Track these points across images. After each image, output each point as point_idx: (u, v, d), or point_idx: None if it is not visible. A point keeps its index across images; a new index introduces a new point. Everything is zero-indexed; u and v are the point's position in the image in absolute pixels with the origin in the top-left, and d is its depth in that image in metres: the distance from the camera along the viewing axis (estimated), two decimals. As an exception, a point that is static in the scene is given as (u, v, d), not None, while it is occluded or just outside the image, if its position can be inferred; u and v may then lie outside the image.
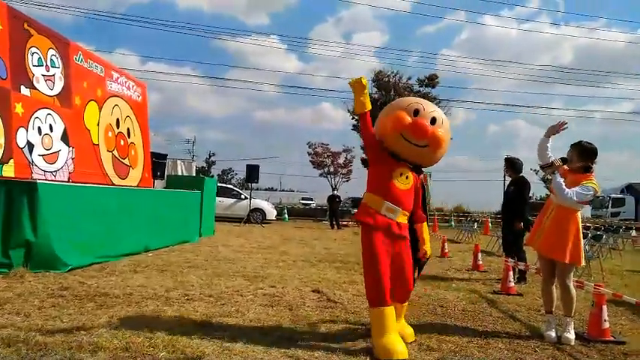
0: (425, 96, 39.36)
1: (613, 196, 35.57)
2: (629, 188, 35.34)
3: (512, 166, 7.67)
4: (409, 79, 39.98)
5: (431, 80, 39.59)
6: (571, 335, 4.24)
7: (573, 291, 4.42)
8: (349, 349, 3.68)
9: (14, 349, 3.23)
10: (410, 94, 39.78)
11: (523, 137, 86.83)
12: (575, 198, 4.17)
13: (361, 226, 3.89)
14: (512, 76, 67.96)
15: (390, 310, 3.64)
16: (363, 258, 3.83)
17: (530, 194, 8.26)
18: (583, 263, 4.47)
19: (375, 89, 40.46)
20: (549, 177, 4.56)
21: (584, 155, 4.37)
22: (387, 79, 39.90)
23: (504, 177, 50.15)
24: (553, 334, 4.31)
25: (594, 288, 4.49)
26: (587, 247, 9.10)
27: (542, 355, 3.82)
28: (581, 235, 4.41)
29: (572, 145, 4.48)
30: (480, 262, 8.88)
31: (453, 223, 28.40)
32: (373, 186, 3.90)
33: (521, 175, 7.66)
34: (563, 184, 4.25)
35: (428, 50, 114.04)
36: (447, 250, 10.90)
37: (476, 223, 18.01)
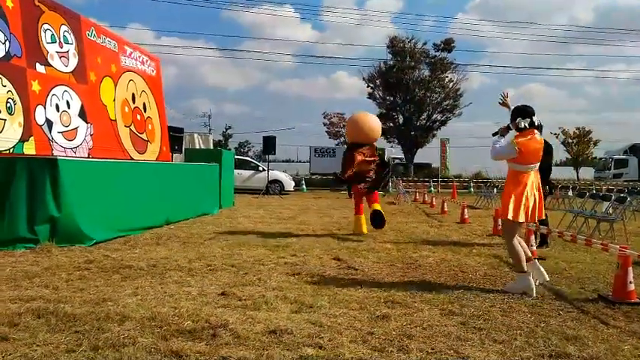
0: (441, 61, 38.67)
1: (615, 157, 34.55)
2: (633, 149, 34.28)
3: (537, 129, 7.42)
4: (425, 44, 39.24)
5: (447, 45, 38.81)
6: (510, 284, 4.63)
7: (516, 248, 4.62)
8: (371, 315, 3.70)
9: (44, 320, 3.32)
10: (426, 59, 39.10)
11: (541, 100, 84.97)
12: (494, 153, 4.68)
13: None
14: (528, 37, 65.94)
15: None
16: None
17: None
18: (522, 220, 4.59)
19: (391, 55, 39.81)
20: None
21: (516, 115, 4.73)
22: (402, 44, 39.17)
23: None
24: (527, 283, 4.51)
25: (619, 250, 4.42)
26: (610, 209, 8.96)
27: (567, 318, 3.79)
28: (526, 195, 4.57)
29: (512, 109, 4.85)
30: (501, 227, 8.80)
31: (472, 189, 28.17)
32: None
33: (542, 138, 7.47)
34: (496, 143, 4.71)
35: (443, 14, 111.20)
36: (467, 216, 10.84)
37: (495, 189, 17.81)
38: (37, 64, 8.49)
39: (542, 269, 4.75)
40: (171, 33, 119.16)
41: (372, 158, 8.36)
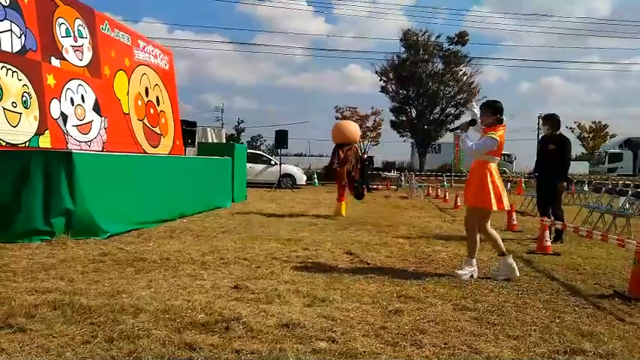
0: (455, 54, 38.34)
1: (610, 151, 34.27)
2: (628, 143, 33.86)
3: (555, 123, 7.33)
4: (438, 37, 38.95)
5: (461, 38, 38.53)
6: (461, 271, 4.86)
7: (475, 236, 4.99)
8: (384, 309, 3.69)
9: (60, 312, 3.36)
10: (439, 52, 38.79)
11: (558, 94, 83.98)
12: (474, 147, 4.92)
13: None
14: (545, 30, 64.98)
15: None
16: None
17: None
18: (494, 208, 4.86)
19: (404, 49, 39.56)
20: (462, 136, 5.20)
21: (488, 111, 4.97)
22: (415, 37, 38.90)
23: (538, 136, 48.90)
24: (461, 271, 4.88)
25: (636, 246, 4.35)
26: (627, 204, 8.84)
27: (582, 314, 3.75)
28: (492, 184, 4.82)
29: (480, 105, 5.16)
30: (515, 222, 8.74)
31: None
32: None
33: (560, 132, 7.38)
34: (467, 139, 5.02)
35: (457, 7, 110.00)
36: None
37: (509, 183, 17.67)
38: (52, 58, 8.57)
39: (515, 267, 4.89)
40: (185, 27, 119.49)
41: (352, 155, 10.49)
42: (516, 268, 4.86)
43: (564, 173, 7.17)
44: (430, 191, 19.64)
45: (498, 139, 4.81)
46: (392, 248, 6.40)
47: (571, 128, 41.50)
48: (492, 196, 4.80)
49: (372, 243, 6.75)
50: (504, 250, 4.96)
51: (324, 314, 3.51)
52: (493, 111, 4.95)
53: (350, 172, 10.33)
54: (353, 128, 11.09)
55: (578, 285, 4.66)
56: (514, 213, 8.84)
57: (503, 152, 5.45)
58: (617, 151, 33.63)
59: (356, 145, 10.95)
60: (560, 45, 67.53)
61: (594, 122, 44.42)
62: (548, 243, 6.39)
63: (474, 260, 4.98)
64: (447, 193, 16.33)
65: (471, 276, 4.86)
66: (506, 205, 4.99)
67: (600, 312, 3.83)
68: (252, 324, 3.23)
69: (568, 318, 3.64)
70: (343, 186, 10.46)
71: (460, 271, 4.92)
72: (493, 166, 4.93)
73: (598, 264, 5.67)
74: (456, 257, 5.89)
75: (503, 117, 4.96)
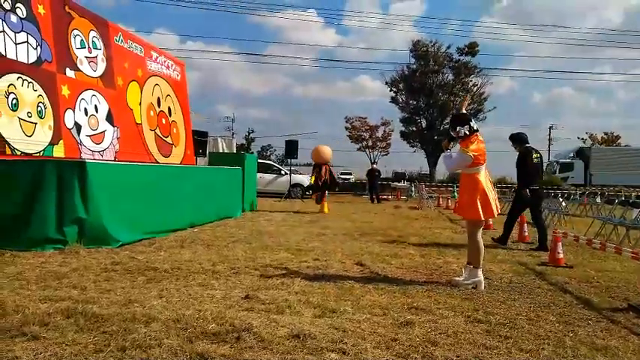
0: (465, 65, 38.32)
1: (561, 161, 34.50)
2: (580, 152, 34.07)
3: (514, 140, 8.02)
4: (448, 47, 38.99)
5: (471, 49, 38.49)
6: (459, 278, 4.99)
7: (479, 244, 5.01)
8: (395, 321, 3.68)
9: (73, 320, 3.38)
10: (449, 63, 38.81)
11: (569, 104, 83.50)
12: (450, 167, 5.26)
13: None
14: (556, 41, 64.75)
15: None
16: None
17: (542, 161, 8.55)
18: (481, 218, 4.98)
19: (414, 59, 39.64)
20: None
21: (454, 124, 5.05)
22: (425, 48, 38.97)
23: (549, 147, 48.58)
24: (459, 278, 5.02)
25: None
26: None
27: (596, 328, 3.70)
28: (481, 195, 4.89)
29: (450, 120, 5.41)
30: (526, 234, 8.66)
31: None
32: None
33: (525, 145, 7.91)
34: (446, 158, 5.19)
35: (467, 18, 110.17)
36: (491, 222, 10.68)
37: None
38: (67, 69, 8.70)
39: (483, 281, 4.95)
40: (196, 38, 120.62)
41: (326, 172, 14.13)
42: (483, 282, 4.93)
43: (523, 182, 7.74)
44: (441, 202, 19.56)
45: (471, 153, 4.83)
46: (402, 259, 6.38)
47: (583, 139, 41.21)
48: (479, 206, 4.87)
49: (383, 254, 6.73)
50: (481, 264, 5.02)
51: (335, 325, 3.50)
52: (462, 123, 4.99)
53: (325, 183, 14.08)
54: (328, 151, 14.48)
55: (592, 298, 4.61)
56: (525, 224, 8.77)
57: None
58: (568, 160, 33.87)
59: (329, 164, 14.71)
60: (571, 55, 67.06)
61: (606, 133, 44.06)
62: (561, 255, 6.33)
63: (480, 271, 4.96)
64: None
65: (475, 287, 4.84)
66: (495, 212, 4.98)
67: (615, 326, 3.78)
68: (263, 334, 3.23)
69: (582, 332, 3.60)
70: (322, 194, 14.54)
71: (458, 278, 4.97)
72: (481, 174, 4.95)
73: (612, 277, 5.61)
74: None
75: (473, 125, 4.97)
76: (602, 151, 35.32)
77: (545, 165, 37.38)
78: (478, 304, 4.25)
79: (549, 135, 49.76)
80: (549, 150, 48.26)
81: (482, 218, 4.97)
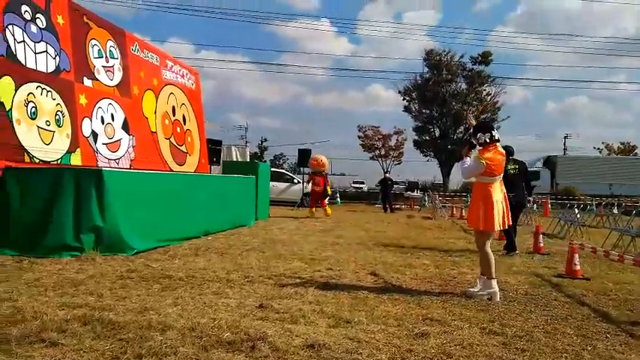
0: (478, 74, 38.19)
1: (528, 169, 33.89)
2: (547, 161, 33.73)
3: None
4: (462, 57, 38.91)
5: (484, 58, 38.36)
6: (474, 289, 4.95)
7: (488, 254, 4.98)
8: (410, 332, 3.66)
9: (90, 327, 3.41)
10: (463, 72, 38.71)
11: (584, 114, 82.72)
12: (465, 172, 5.15)
13: None
14: (571, 50, 64.23)
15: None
16: None
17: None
18: (497, 229, 5.00)
19: (427, 68, 39.60)
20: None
21: (477, 131, 5.06)
22: (438, 57, 38.93)
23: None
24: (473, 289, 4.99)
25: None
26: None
27: (615, 342, 3.65)
28: (493, 205, 4.85)
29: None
30: (542, 244, 8.57)
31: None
32: None
33: (511, 158, 8.07)
34: (462, 163, 5.13)
35: (481, 27, 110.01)
36: (503, 234, 10.57)
37: (535, 205, 17.38)
38: (85, 78, 8.85)
39: (498, 291, 4.92)
40: (210, 47, 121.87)
41: (322, 179, 15.72)
42: (499, 293, 4.88)
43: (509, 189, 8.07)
44: (454, 212, 19.43)
45: (484, 162, 4.82)
46: (417, 270, 6.34)
47: (599, 149, 40.75)
48: (481, 216, 4.88)
49: (397, 264, 6.70)
50: (494, 275, 4.97)
51: (350, 336, 3.49)
52: (483, 131, 5.00)
53: (320, 191, 15.69)
54: (324, 161, 16.23)
55: (610, 311, 4.54)
56: (541, 235, 8.68)
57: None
58: (535, 169, 33.53)
59: (325, 172, 16.27)
60: (586, 64, 66.48)
61: (622, 143, 43.54)
62: (578, 267, 6.25)
63: (494, 282, 4.92)
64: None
65: (490, 298, 4.80)
66: (496, 226, 4.93)
67: (634, 340, 3.72)
68: (277, 344, 3.23)
69: (600, 345, 3.55)
70: (316, 200, 15.77)
71: (473, 289, 4.95)
72: (494, 185, 4.93)
73: (630, 289, 5.52)
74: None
75: (494, 134, 4.97)
76: (568, 160, 35.22)
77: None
78: (494, 316, 4.21)
79: (564, 144, 49.33)
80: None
81: (482, 228, 4.94)
